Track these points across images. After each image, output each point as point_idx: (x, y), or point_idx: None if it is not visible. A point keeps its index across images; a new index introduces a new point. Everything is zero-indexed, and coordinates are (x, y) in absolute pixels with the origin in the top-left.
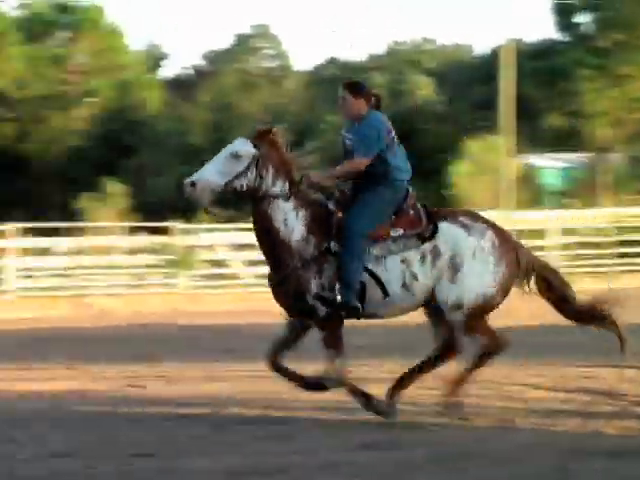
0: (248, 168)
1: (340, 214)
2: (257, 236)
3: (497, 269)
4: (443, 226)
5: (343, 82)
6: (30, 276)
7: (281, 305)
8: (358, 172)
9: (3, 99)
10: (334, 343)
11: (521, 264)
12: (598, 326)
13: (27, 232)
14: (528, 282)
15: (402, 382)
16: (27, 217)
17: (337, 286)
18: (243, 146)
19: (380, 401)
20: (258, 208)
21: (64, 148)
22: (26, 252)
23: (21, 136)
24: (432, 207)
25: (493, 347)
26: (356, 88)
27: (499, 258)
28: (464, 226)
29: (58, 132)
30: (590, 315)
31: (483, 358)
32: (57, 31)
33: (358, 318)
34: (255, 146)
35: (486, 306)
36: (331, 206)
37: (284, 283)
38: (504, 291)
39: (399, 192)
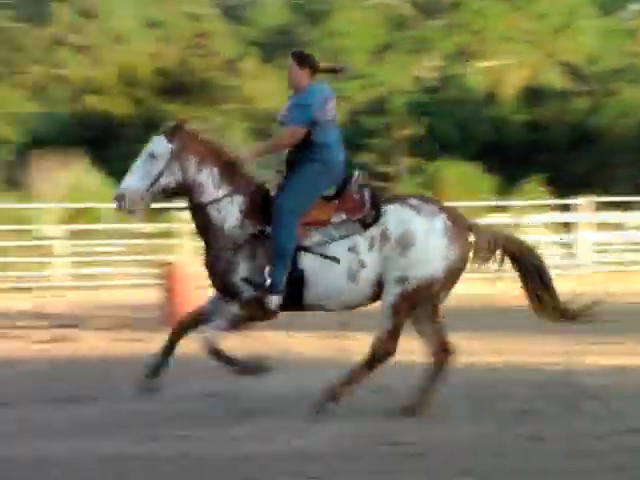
0: (167, 165)
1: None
2: (195, 225)
3: (448, 252)
4: (392, 208)
5: (291, 50)
6: (605, 250)
7: (212, 284)
8: (291, 143)
9: (576, 73)
10: (235, 325)
11: (479, 244)
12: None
13: (600, 206)
14: (493, 259)
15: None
16: (599, 191)
17: (267, 269)
18: (158, 145)
19: (249, 361)
20: (191, 200)
21: (635, 121)
22: (599, 226)
23: (593, 110)
24: (382, 192)
25: (381, 352)
26: (301, 58)
27: (451, 241)
28: (413, 207)
29: (629, 105)
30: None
31: (369, 363)
32: (630, 4)
33: (299, 310)
34: (171, 142)
35: (428, 288)
36: (272, 192)
37: (213, 265)
38: (451, 276)
39: (332, 170)
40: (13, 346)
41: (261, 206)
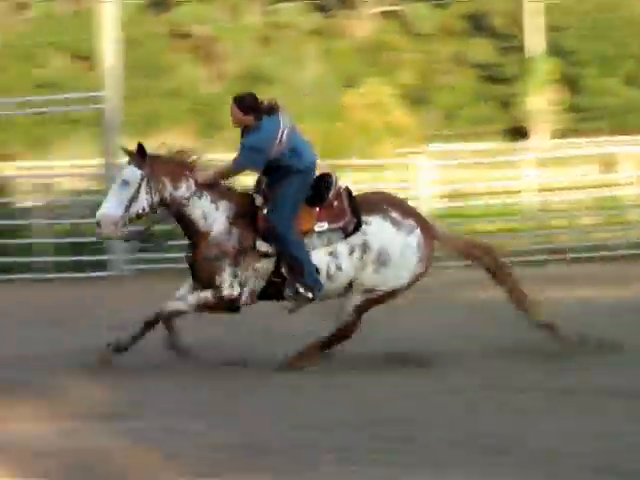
0: (139, 190)
1: (265, 211)
2: (186, 237)
3: (416, 267)
4: (375, 221)
5: (233, 97)
6: None
7: (194, 278)
8: (236, 176)
9: None
10: (200, 309)
11: (447, 250)
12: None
13: None
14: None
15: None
16: None
17: (297, 286)
18: (129, 172)
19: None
20: (173, 213)
21: None
22: None
23: None
24: (361, 194)
25: (340, 337)
26: (243, 103)
27: (420, 257)
28: (395, 223)
29: None
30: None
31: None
32: None
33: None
34: (140, 168)
35: (391, 295)
36: (258, 201)
37: (198, 265)
38: (414, 282)
39: (307, 176)
40: None
41: (249, 216)
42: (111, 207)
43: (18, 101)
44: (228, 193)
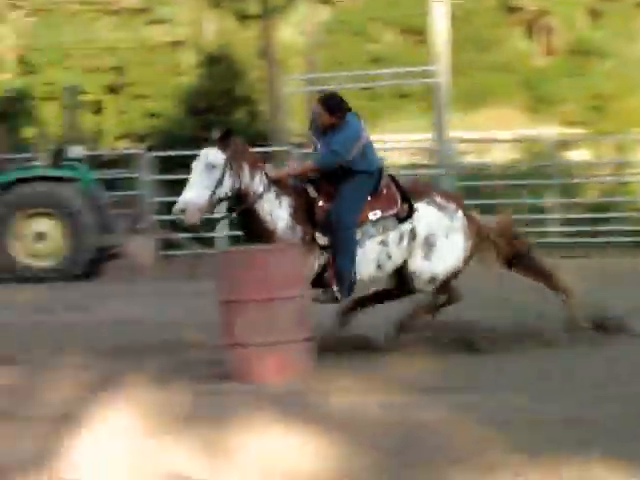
0: (224, 174)
1: (322, 202)
2: (245, 230)
3: (465, 244)
4: (421, 207)
5: (319, 97)
6: None
7: None
8: (313, 173)
9: None
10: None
11: (481, 235)
12: (548, 286)
13: None
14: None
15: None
16: None
17: (335, 284)
18: (213, 155)
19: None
20: (245, 205)
21: None
22: None
23: None
24: (404, 182)
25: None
26: (330, 104)
27: (467, 235)
28: (440, 207)
29: None
30: (542, 275)
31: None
32: None
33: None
34: (224, 151)
35: (453, 275)
36: (311, 193)
37: None
38: (468, 260)
39: (374, 180)
40: None
41: (306, 209)
42: (196, 193)
43: (350, 75)
44: (286, 187)
